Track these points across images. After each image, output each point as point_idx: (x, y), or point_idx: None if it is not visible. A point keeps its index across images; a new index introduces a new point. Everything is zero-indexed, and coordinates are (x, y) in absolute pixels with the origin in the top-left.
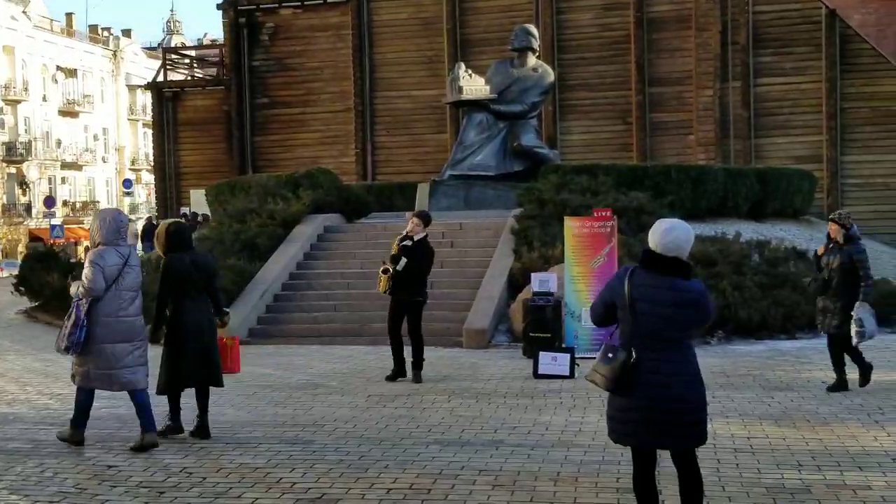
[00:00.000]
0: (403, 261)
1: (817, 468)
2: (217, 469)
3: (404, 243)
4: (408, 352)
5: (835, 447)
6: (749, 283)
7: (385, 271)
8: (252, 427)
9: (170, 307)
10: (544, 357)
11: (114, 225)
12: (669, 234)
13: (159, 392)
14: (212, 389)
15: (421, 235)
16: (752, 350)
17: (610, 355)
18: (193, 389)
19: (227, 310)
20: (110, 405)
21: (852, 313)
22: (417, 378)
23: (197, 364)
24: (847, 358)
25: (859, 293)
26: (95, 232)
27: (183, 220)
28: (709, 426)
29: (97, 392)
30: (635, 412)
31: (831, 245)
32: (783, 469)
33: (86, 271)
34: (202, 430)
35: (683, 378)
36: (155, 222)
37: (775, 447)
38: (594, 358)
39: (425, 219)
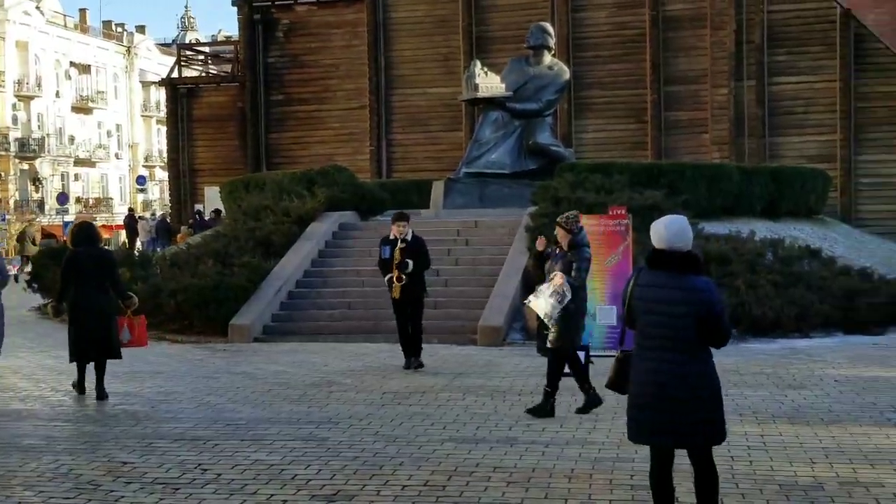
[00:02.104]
0: (410, 264)
1: (830, 466)
2: (232, 465)
3: (400, 247)
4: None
5: (847, 445)
6: (763, 282)
7: (399, 279)
8: (267, 424)
9: (71, 292)
10: None
11: None
12: (672, 226)
13: (70, 361)
14: (231, 389)
15: (410, 234)
16: (765, 348)
17: (615, 358)
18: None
19: (132, 294)
20: (125, 402)
21: (552, 286)
22: (419, 364)
23: (92, 341)
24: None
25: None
26: None
27: (93, 220)
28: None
29: (112, 390)
30: (640, 410)
31: (557, 250)
32: (796, 466)
33: None
34: (99, 393)
35: (683, 378)
36: (168, 220)
37: (788, 444)
38: (609, 356)
39: (408, 219)
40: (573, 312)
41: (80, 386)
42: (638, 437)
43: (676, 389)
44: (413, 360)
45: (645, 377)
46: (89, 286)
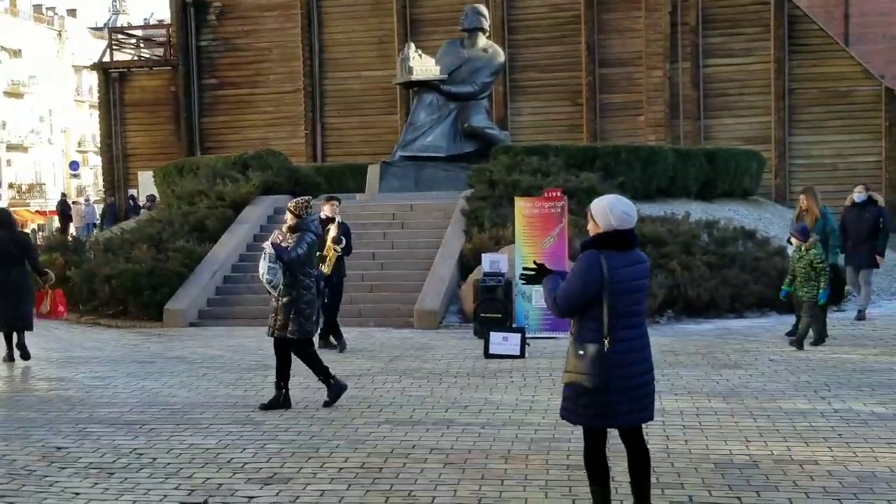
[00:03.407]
0: (343, 241)
1: (764, 444)
2: (168, 450)
3: (337, 223)
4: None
5: (782, 423)
6: (698, 263)
7: (335, 250)
8: (203, 408)
9: None
10: (495, 337)
11: None
12: (618, 205)
13: None
14: (166, 374)
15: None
16: (700, 329)
17: (581, 352)
18: None
19: (48, 270)
20: (59, 387)
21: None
22: (332, 346)
23: (8, 314)
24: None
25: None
26: None
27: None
28: (658, 402)
29: (47, 375)
30: (628, 392)
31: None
32: (731, 445)
33: None
34: (23, 353)
35: (649, 350)
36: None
37: (723, 424)
38: (545, 338)
39: (339, 201)
40: (297, 300)
41: (9, 351)
42: (613, 420)
43: (649, 362)
44: (326, 340)
45: (629, 356)
46: (9, 265)
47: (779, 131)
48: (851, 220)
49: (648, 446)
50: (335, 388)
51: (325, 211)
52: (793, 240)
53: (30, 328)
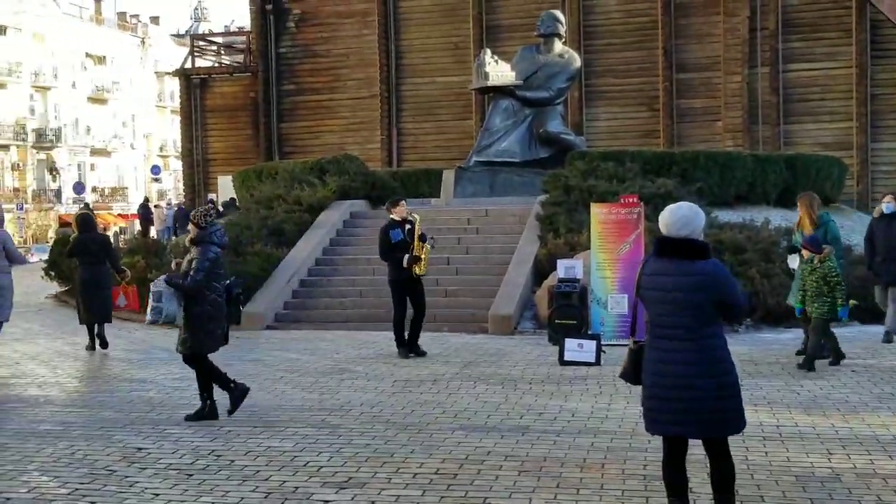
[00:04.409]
0: (427, 237)
1: (847, 456)
2: (245, 452)
3: (409, 227)
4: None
5: (865, 435)
6: (778, 271)
7: (426, 250)
8: (279, 411)
9: (78, 268)
10: (570, 343)
11: None
12: (676, 212)
13: (81, 323)
14: (243, 376)
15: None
16: (780, 338)
17: (629, 345)
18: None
19: (125, 269)
20: (140, 388)
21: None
22: (421, 350)
23: (91, 307)
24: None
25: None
26: None
27: (91, 212)
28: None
29: (128, 377)
30: (656, 401)
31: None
32: (813, 457)
33: None
34: (102, 343)
35: (697, 366)
36: (185, 209)
37: (804, 435)
38: (620, 345)
39: (405, 200)
40: (197, 316)
41: (91, 342)
42: (654, 428)
43: (691, 378)
44: (417, 346)
45: (660, 367)
46: (90, 263)
47: (861, 137)
48: (880, 232)
49: None
50: (237, 395)
51: (397, 214)
52: (803, 252)
53: (109, 320)
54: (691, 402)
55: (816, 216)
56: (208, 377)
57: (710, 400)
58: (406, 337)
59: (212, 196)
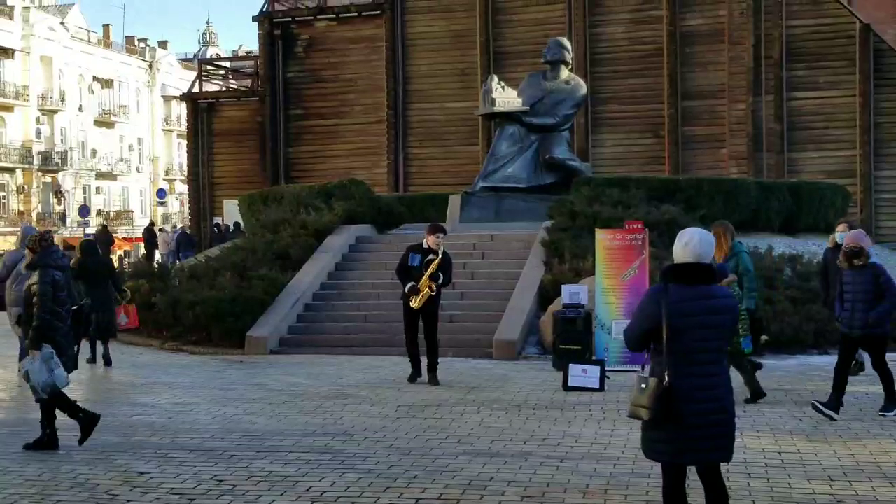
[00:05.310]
0: (442, 278)
1: (848, 483)
2: (247, 477)
3: (437, 260)
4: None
5: (866, 463)
6: (781, 298)
7: (431, 289)
8: (282, 436)
9: (84, 289)
10: (574, 369)
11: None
12: (693, 238)
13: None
14: (247, 401)
15: (442, 248)
16: (783, 365)
17: (643, 385)
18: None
19: (126, 289)
20: (143, 412)
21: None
22: (435, 380)
23: (100, 323)
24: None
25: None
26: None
27: (98, 235)
28: (739, 440)
29: (131, 401)
30: (696, 430)
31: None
32: (814, 484)
33: None
34: (106, 361)
35: (725, 388)
36: (189, 232)
37: (806, 462)
38: (625, 371)
39: (445, 233)
40: (48, 356)
41: (93, 354)
42: (689, 458)
43: (723, 401)
44: (430, 375)
45: (698, 394)
46: (94, 285)
47: (864, 165)
48: (834, 265)
49: (730, 484)
50: (87, 423)
51: (429, 242)
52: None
53: (114, 336)
54: (727, 426)
55: (728, 246)
56: (51, 408)
57: (734, 420)
58: (419, 359)
59: (217, 220)
